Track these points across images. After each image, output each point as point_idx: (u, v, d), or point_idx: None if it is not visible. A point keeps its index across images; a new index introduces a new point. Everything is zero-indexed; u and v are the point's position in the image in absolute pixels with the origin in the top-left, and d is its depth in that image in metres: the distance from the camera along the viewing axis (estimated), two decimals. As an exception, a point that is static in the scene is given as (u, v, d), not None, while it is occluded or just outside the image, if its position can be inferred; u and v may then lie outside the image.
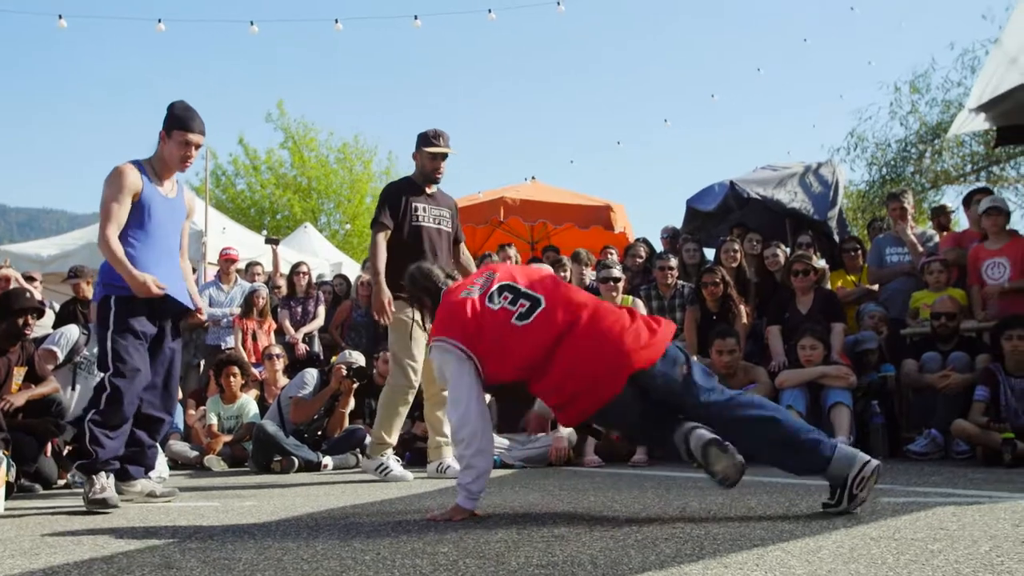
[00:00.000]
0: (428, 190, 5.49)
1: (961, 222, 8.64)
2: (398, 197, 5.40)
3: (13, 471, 4.68)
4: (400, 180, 5.71)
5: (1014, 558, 2.19)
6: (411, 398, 5.34)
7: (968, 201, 7.43)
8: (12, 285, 7.34)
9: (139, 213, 4.26)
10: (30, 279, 8.86)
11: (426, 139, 5.44)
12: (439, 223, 5.46)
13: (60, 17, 12.47)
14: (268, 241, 11.21)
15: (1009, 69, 6.36)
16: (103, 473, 4.05)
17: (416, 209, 5.37)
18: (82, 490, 4.08)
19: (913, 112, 17.33)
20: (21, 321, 5.27)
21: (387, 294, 5.18)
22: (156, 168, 4.40)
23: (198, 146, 4.42)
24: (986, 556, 2.22)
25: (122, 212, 4.19)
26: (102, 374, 4.18)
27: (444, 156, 5.46)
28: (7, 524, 3.67)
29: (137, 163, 4.34)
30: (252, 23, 13.28)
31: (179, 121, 4.34)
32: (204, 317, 4.97)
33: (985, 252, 6.49)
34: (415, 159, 5.54)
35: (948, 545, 2.39)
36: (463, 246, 5.76)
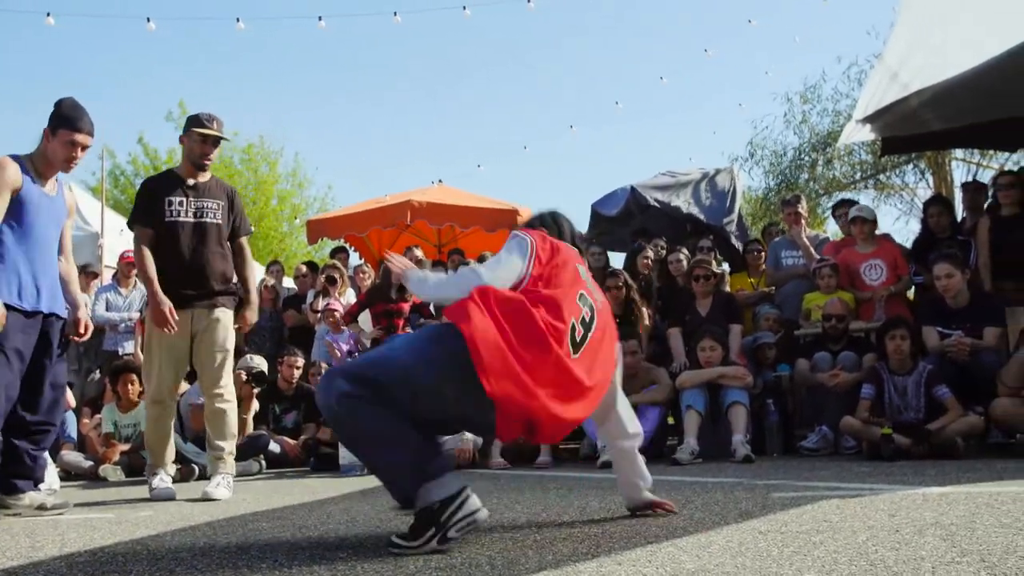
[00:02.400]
0: (193, 179, 4.98)
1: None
2: (152, 189, 4.96)
3: None
4: (159, 174, 5.29)
5: (887, 546, 2.30)
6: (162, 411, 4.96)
7: (835, 212, 7.94)
8: None
9: (17, 210, 4.05)
10: None
11: (196, 121, 4.99)
12: (204, 216, 4.93)
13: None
14: None
15: (891, 83, 6.67)
16: None
17: (171, 203, 4.86)
18: None
19: (805, 122, 18.02)
20: None
21: (168, 304, 4.68)
22: (38, 166, 4.19)
23: (85, 147, 4.22)
24: (863, 545, 2.33)
25: (1, 207, 3.97)
26: None
27: (216, 141, 5.02)
28: None
29: (16, 158, 4.12)
30: (149, 20, 12.92)
31: (66, 120, 4.15)
32: (85, 334, 4.57)
33: (859, 255, 6.92)
34: (182, 143, 5.09)
35: (829, 536, 2.49)
36: (244, 242, 5.21)
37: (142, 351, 7.87)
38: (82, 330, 4.52)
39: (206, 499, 4.62)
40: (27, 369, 4.11)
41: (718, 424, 6.02)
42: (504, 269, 2.78)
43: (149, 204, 4.90)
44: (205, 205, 4.96)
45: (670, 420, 6.51)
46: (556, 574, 2.17)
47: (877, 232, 7.19)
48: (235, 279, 5.12)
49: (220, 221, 5.00)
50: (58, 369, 4.34)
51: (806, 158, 17.76)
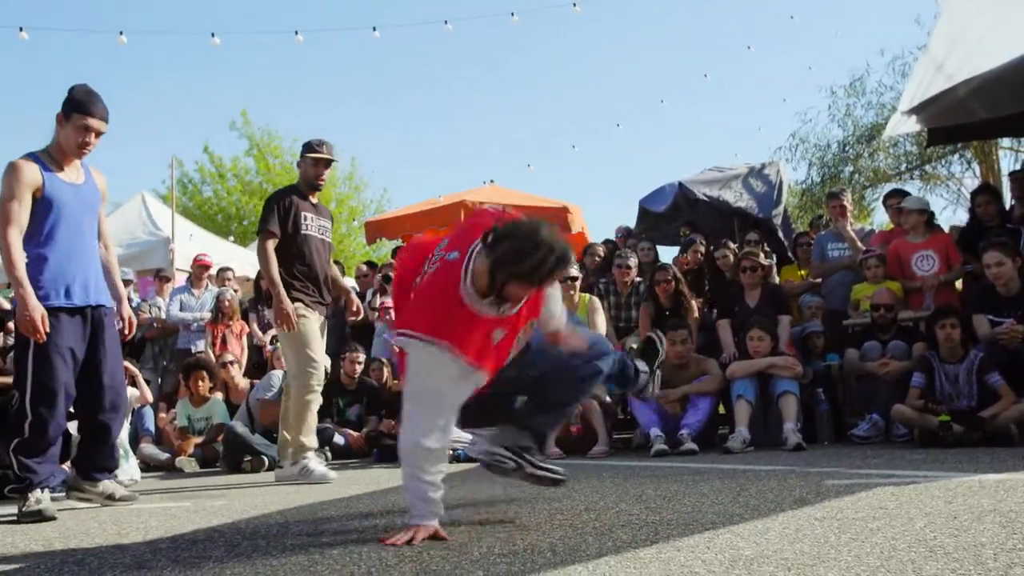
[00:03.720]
0: (312, 199, 5.30)
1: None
2: (287, 205, 5.15)
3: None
4: (285, 188, 5.49)
5: (946, 533, 2.24)
6: (317, 397, 5.16)
7: (886, 202, 7.70)
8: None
9: (46, 207, 3.88)
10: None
11: (310, 147, 5.31)
12: (323, 234, 5.31)
13: (21, 30, 12.22)
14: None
15: (937, 74, 6.50)
16: (37, 489, 3.81)
17: (305, 218, 5.18)
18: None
19: (849, 115, 17.64)
20: None
21: (290, 306, 4.94)
22: (54, 156, 3.99)
23: (99, 133, 4.01)
24: (921, 532, 2.27)
25: (23, 212, 3.81)
26: (19, 397, 3.84)
27: (328, 163, 5.30)
28: (-21, 530, 3.60)
29: (33, 155, 3.95)
30: (213, 35, 13.14)
31: (79, 104, 3.94)
32: (130, 333, 4.44)
33: (910, 246, 6.70)
34: (299, 167, 5.41)
35: (886, 523, 2.44)
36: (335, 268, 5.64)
37: (211, 349, 8.11)
38: (127, 329, 4.37)
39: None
40: (84, 363, 4.02)
41: (768, 413, 5.94)
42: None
43: (286, 215, 5.12)
44: (324, 224, 5.33)
45: (721, 410, 6.43)
46: (617, 560, 2.16)
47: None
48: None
49: (330, 240, 5.40)
50: (113, 358, 4.17)
51: (850, 151, 17.38)
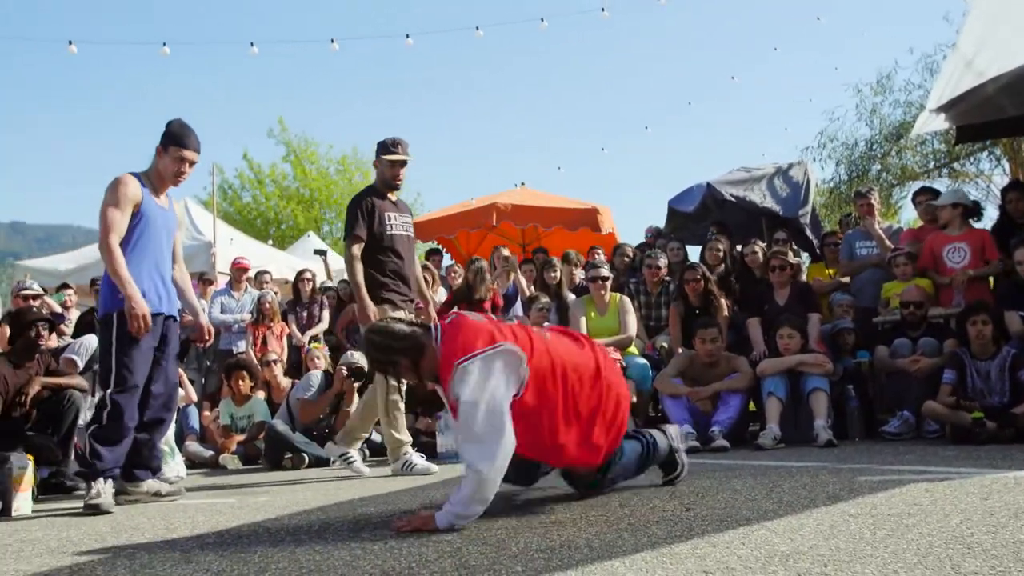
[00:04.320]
0: (391, 197, 5.34)
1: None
2: (369, 207, 5.19)
3: (29, 472, 4.65)
4: (365, 190, 5.44)
5: (983, 529, 2.20)
6: (401, 395, 5.18)
7: (915, 199, 7.56)
8: (32, 303, 7.30)
9: (137, 221, 4.22)
10: (64, 287, 8.85)
11: (385, 147, 5.29)
12: (407, 229, 5.35)
13: (71, 43, 12.43)
14: (317, 252, 11.54)
15: (965, 72, 6.38)
16: (101, 479, 4.01)
17: (389, 218, 5.22)
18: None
19: (876, 113, 17.36)
20: (33, 333, 5.24)
21: (372, 308, 5.00)
22: (153, 181, 4.36)
23: (192, 163, 4.37)
24: (957, 528, 2.23)
25: (123, 221, 4.16)
26: (102, 390, 4.14)
27: (404, 163, 5.30)
28: (34, 524, 3.67)
29: (136, 175, 4.30)
30: (252, 44, 13.27)
31: (175, 138, 4.31)
32: (209, 339, 4.85)
33: (944, 238, 6.58)
34: (376, 167, 5.42)
35: (921, 519, 2.40)
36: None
37: (253, 349, 8.19)
38: (206, 336, 4.74)
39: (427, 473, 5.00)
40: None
41: (799, 410, 5.87)
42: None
43: (370, 218, 5.18)
44: (406, 220, 5.37)
45: (751, 407, 6.37)
46: (653, 555, 2.15)
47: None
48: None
49: (412, 233, 5.44)
50: (171, 367, 4.49)
51: (878, 148, 17.11)
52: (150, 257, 4.28)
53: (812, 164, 12.62)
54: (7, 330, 5.45)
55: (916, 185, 14.56)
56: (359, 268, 5.10)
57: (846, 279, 7.47)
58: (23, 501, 4.12)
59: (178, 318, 4.53)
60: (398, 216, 5.30)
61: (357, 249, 5.13)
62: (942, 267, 6.54)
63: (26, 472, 4.18)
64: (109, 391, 4.08)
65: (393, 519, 2.90)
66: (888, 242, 7.03)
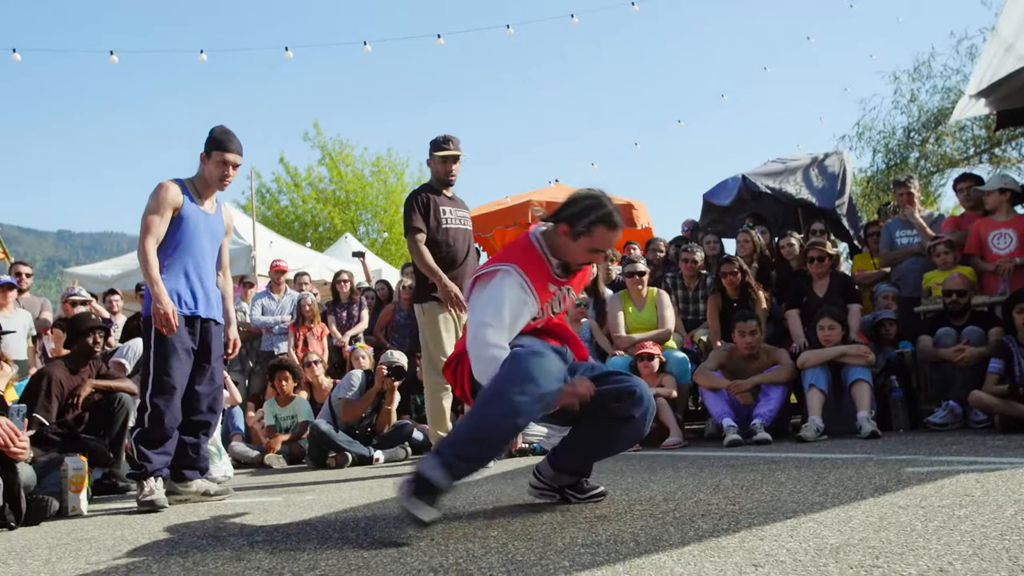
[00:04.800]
0: (447, 193, 5.39)
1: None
2: (424, 201, 5.27)
3: (90, 476, 4.74)
4: (420, 187, 5.51)
5: (1039, 520, 2.14)
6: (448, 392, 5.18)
7: (956, 186, 7.39)
8: (79, 309, 7.44)
9: (177, 226, 4.28)
10: (112, 293, 9.01)
11: (436, 145, 5.35)
12: (463, 223, 5.39)
13: (112, 53, 12.65)
14: (355, 255, 11.63)
15: (1006, 56, 6.24)
16: (152, 478, 4.11)
17: (444, 212, 5.28)
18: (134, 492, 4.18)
19: (914, 100, 17.04)
20: (91, 340, 5.34)
21: (453, 286, 5.01)
22: (198, 187, 4.43)
23: (236, 166, 4.44)
24: (1011, 520, 2.18)
25: (161, 225, 4.22)
26: (143, 394, 4.19)
27: (456, 159, 5.35)
28: (90, 524, 3.74)
29: (179, 181, 4.37)
30: (287, 49, 13.38)
31: (218, 143, 4.39)
32: (232, 352, 4.75)
33: (991, 224, 6.44)
34: (429, 165, 5.45)
35: (974, 511, 2.35)
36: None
37: (294, 351, 8.27)
38: (230, 349, 4.70)
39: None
40: (190, 369, 4.34)
41: (841, 402, 5.79)
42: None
43: (426, 212, 5.24)
44: (462, 214, 5.40)
45: (792, 399, 6.29)
46: (700, 549, 2.13)
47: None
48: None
49: (470, 227, 5.45)
50: (216, 370, 4.52)
51: (916, 136, 16.80)
52: (189, 260, 4.32)
53: (849, 154, 12.42)
54: (63, 334, 5.55)
55: (955, 172, 14.28)
56: (427, 254, 5.13)
57: (885, 269, 7.35)
58: (79, 501, 4.20)
59: (220, 322, 4.55)
60: (454, 211, 5.34)
61: (421, 238, 5.19)
62: (988, 253, 6.40)
63: (81, 473, 4.26)
64: (148, 394, 4.15)
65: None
66: (929, 230, 6.90)
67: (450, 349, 5.12)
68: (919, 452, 4.22)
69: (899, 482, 3.07)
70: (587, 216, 2.95)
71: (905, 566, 1.78)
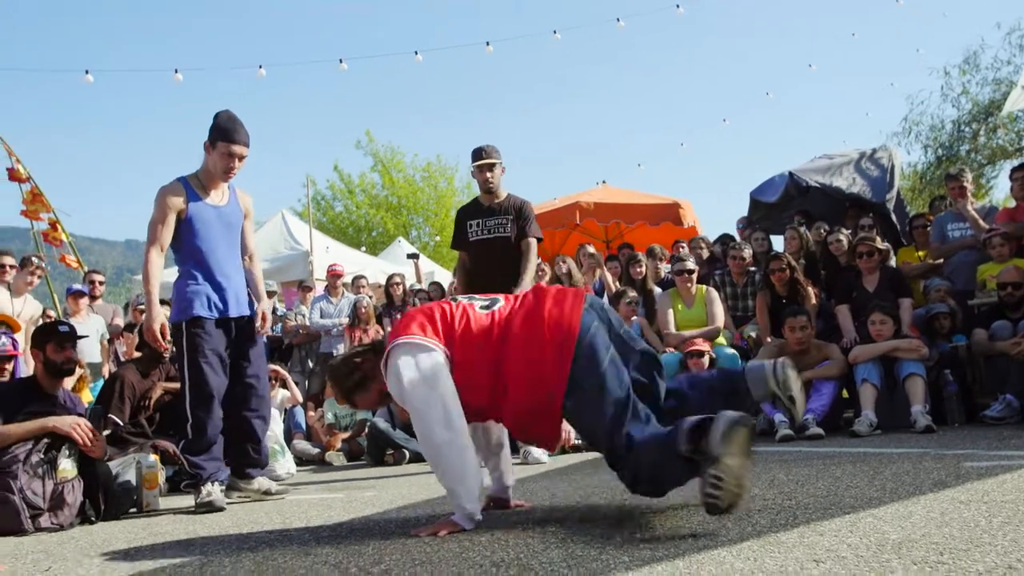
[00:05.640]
0: (486, 202, 5.47)
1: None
2: (459, 219, 5.57)
3: (163, 473, 4.85)
4: (467, 203, 5.77)
5: (1108, 515, 2.07)
6: None
7: (1012, 175, 7.14)
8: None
9: (189, 228, 4.09)
10: None
11: (473, 156, 5.48)
12: (494, 232, 5.39)
13: (176, 71, 12.94)
14: (410, 256, 11.77)
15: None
16: (208, 483, 4.03)
17: (471, 226, 5.44)
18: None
19: (964, 93, 16.59)
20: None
21: None
22: (203, 180, 4.19)
23: (241, 157, 4.16)
24: (1079, 515, 2.10)
25: (166, 232, 4.05)
26: (183, 403, 4.07)
27: (491, 167, 5.40)
28: (163, 520, 3.83)
29: (183, 180, 4.16)
30: (341, 61, 13.55)
31: (223, 132, 4.11)
32: (264, 324, 4.38)
33: (1050, 215, 6.23)
34: (473, 175, 5.60)
35: (1039, 505, 2.27)
36: (530, 241, 5.38)
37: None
38: (259, 322, 4.35)
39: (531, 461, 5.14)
40: (230, 367, 4.21)
41: (894, 397, 5.65)
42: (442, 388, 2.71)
43: (458, 230, 5.54)
44: (497, 222, 5.42)
45: (844, 395, 6.17)
46: (759, 544, 2.09)
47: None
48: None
49: (508, 233, 5.39)
50: (258, 363, 4.34)
51: (966, 129, 16.35)
52: (209, 259, 4.14)
53: (897, 149, 12.14)
54: (136, 339, 5.69)
55: (1008, 164, 13.86)
56: (459, 275, 5.57)
57: (937, 262, 7.16)
58: (152, 498, 4.30)
59: (251, 313, 4.32)
60: (484, 221, 5.40)
61: (463, 257, 5.58)
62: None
63: (154, 471, 4.36)
64: (188, 404, 4.04)
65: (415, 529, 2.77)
66: (983, 223, 6.70)
67: None
68: (977, 447, 4.10)
69: (958, 477, 2.98)
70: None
71: (971, 563, 1.73)
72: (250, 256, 4.51)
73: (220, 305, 4.15)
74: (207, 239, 4.15)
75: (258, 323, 4.36)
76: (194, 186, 4.16)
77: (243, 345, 4.27)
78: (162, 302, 4.39)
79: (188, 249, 4.13)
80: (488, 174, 5.41)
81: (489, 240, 5.38)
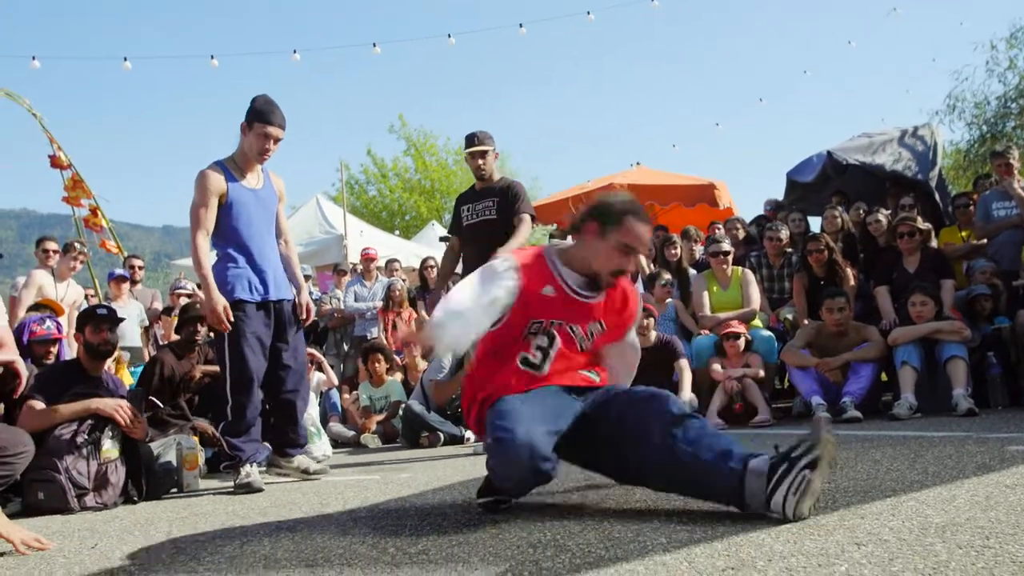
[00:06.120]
0: (478, 187, 5.43)
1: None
2: (456, 207, 5.56)
3: (202, 455, 4.93)
4: (465, 190, 5.72)
5: None
6: None
7: None
8: (182, 300, 7.74)
9: (229, 212, 4.14)
10: None
11: (466, 142, 5.46)
12: (482, 215, 5.31)
13: (212, 57, 13.05)
14: (442, 239, 11.80)
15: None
16: (247, 464, 4.11)
17: (463, 211, 5.42)
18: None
19: (1012, 67, 16.15)
20: (192, 329, 5.59)
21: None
22: (239, 162, 4.24)
23: (277, 140, 4.23)
24: None
25: (209, 216, 4.08)
26: (224, 387, 4.13)
27: (482, 154, 5.33)
28: (204, 500, 3.89)
29: (220, 163, 4.21)
30: (375, 45, 13.56)
31: (259, 114, 4.17)
32: (307, 319, 4.51)
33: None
34: (467, 161, 5.59)
35: (1088, 490, 2.22)
36: (522, 217, 5.22)
37: (384, 334, 8.41)
38: (304, 315, 4.46)
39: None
40: (270, 349, 4.26)
41: (935, 379, 5.55)
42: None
43: (453, 217, 5.57)
44: (485, 205, 5.34)
45: (884, 378, 6.07)
46: (800, 528, 2.07)
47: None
48: None
49: (494, 216, 5.27)
50: (297, 345, 4.40)
51: (1013, 105, 15.92)
52: (250, 243, 4.20)
53: (938, 126, 11.88)
54: (174, 321, 5.81)
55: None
56: (447, 261, 5.68)
57: (981, 242, 7.00)
58: (192, 479, 4.38)
59: (290, 299, 4.38)
60: (474, 206, 5.37)
61: (452, 243, 5.60)
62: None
63: (194, 452, 4.44)
64: (228, 388, 4.10)
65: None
66: (1028, 201, 6.54)
67: None
68: (1021, 430, 4.01)
69: (1003, 461, 2.92)
70: (616, 208, 2.67)
71: (1019, 547, 1.69)
72: (285, 240, 4.55)
73: (261, 288, 4.20)
74: (247, 222, 4.19)
75: (302, 315, 4.45)
76: (231, 169, 4.21)
77: (283, 328, 4.32)
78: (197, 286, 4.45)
79: (228, 232, 4.17)
80: (480, 161, 5.36)
81: (477, 223, 5.33)
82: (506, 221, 5.23)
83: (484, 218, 5.32)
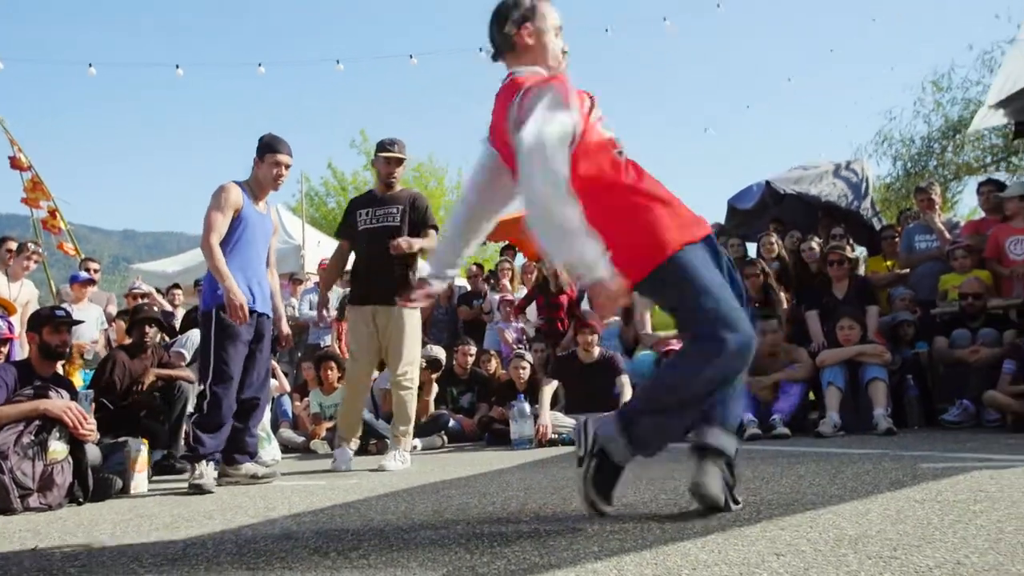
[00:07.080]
0: (379, 193, 5.18)
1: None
2: (350, 210, 5.26)
3: (144, 455, 4.81)
4: (360, 194, 5.52)
5: (1054, 517, 2.09)
6: None
7: (979, 189, 7.22)
8: (141, 301, 7.57)
9: (237, 226, 4.36)
10: (175, 287, 9.16)
11: (381, 146, 5.23)
12: (383, 220, 5.05)
13: (177, 67, 12.85)
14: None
15: (1026, 67, 6.11)
16: (203, 462, 4.17)
17: (360, 215, 5.12)
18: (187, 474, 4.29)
19: (937, 110, 16.76)
20: (142, 330, 5.48)
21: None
22: (253, 189, 4.51)
23: (288, 166, 4.52)
24: (1027, 515, 2.13)
25: (223, 223, 4.29)
26: (203, 382, 4.27)
27: (398, 161, 5.15)
28: (150, 502, 3.80)
29: (240, 183, 4.46)
30: (338, 62, 13.50)
31: (269, 147, 4.49)
32: (286, 345, 5.03)
33: (1009, 230, 6.32)
34: (374, 166, 5.36)
35: (989, 506, 2.30)
36: (430, 231, 5.09)
37: (337, 343, 8.33)
38: (283, 343, 4.90)
39: (380, 470, 4.77)
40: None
41: (858, 399, 5.70)
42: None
43: (346, 217, 5.26)
44: (387, 211, 5.08)
45: (811, 397, 6.21)
46: (724, 537, 2.10)
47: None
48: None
49: (397, 223, 5.03)
50: (265, 358, 4.59)
51: (935, 145, 16.52)
52: (246, 258, 4.40)
53: (868, 161, 12.25)
54: (124, 325, 5.68)
55: (972, 180, 14.03)
56: (334, 263, 5.47)
57: (904, 271, 7.23)
58: (140, 480, 4.28)
59: (271, 316, 4.63)
60: (374, 210, 5.10)
61: (342, 246, 5.33)
62: (1005, 259, 6.28)
63: (142, 454, 4.33)
64: (209, 382, 4.21)
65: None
66: (948, 235, 6.78)
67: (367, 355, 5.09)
68: (934, 449, 4.14)
69: (915, 477, 3.01)
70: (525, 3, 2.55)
71: (922, 558, 1.74)
72: (271, 269, 4.76)
73: (249, 298, 4.35)
74: (249, 240, 4.42)
75: (281, 343, 4.87)
76: (248, 191, 4.47)
77: (259, 338, 4.49)
78: (196, 283, 4.47)
79: (231, 245, 4.34)
80: (397, 168, 5.17)
81: (377, 229, 5.03)
82: (410, 230, 5.03)
83: (385, 224, 5.03)
